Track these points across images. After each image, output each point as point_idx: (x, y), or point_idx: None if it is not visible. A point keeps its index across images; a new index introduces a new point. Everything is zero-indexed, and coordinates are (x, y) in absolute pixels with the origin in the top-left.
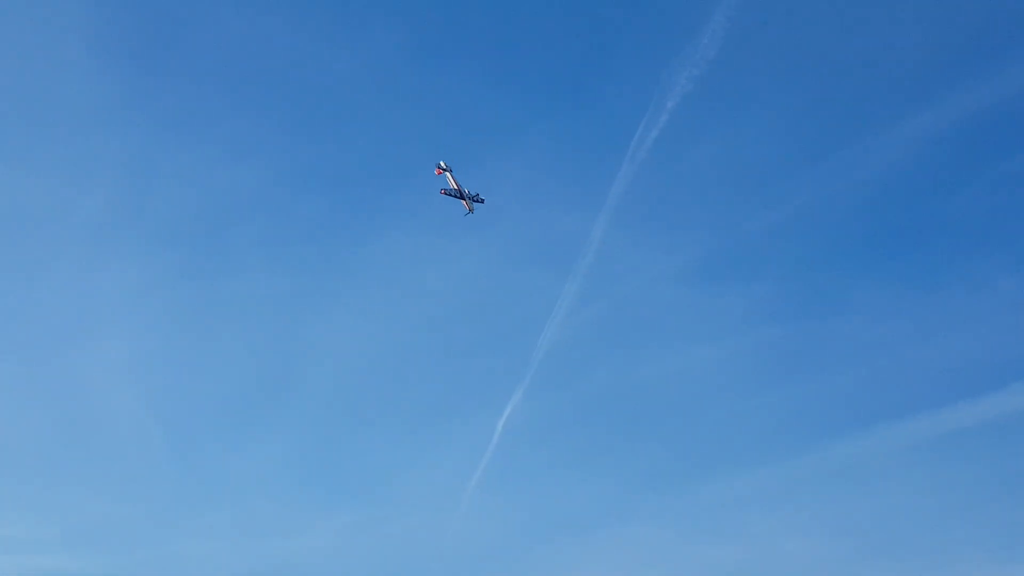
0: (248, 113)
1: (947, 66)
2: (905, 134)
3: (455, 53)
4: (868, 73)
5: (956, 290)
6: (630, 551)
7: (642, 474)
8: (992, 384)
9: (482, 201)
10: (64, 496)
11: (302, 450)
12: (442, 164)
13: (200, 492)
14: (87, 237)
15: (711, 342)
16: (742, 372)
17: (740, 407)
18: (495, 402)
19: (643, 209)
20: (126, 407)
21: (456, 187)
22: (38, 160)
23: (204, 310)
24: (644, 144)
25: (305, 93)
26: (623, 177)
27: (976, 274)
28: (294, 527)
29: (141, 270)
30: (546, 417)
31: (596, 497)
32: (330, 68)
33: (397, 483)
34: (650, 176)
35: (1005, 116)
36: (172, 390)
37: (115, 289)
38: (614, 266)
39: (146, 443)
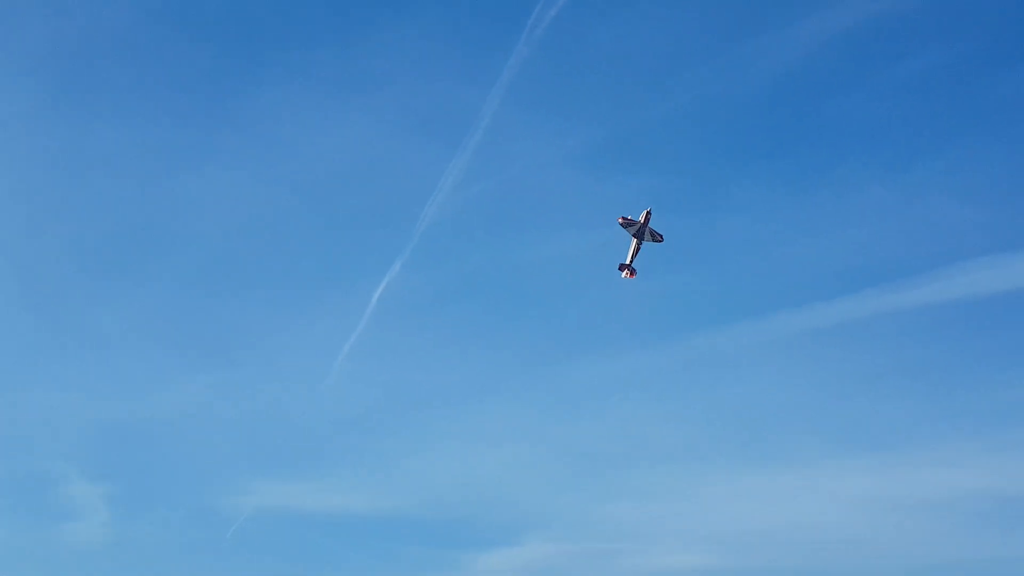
0: None
1: None
2: (801, 34)
3: None
4: None
5: (830, 193)
6: (496, 426)
7: (513, 354)
8: (850, 287)
9: (661, 239)
10: None
11: (169, 306)
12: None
13: (55, 342)
14: None
15: (594, 229)
16: (621, 261)
17: (615, 295)
18: (372, 273)
19: (537, 90)
20: None
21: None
22: None
23: (69, 151)
24: (542, 22)
25: None
26: (519, 55)
27: (850, 178)
28: (156, 384)
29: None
30: (423, 292)
31: (466, 373)
32: None
33: (266, 348)
34: (547, 57)
35: (901, 22)
36: (28, 233)
37: None
38: (504, 145)
39: None
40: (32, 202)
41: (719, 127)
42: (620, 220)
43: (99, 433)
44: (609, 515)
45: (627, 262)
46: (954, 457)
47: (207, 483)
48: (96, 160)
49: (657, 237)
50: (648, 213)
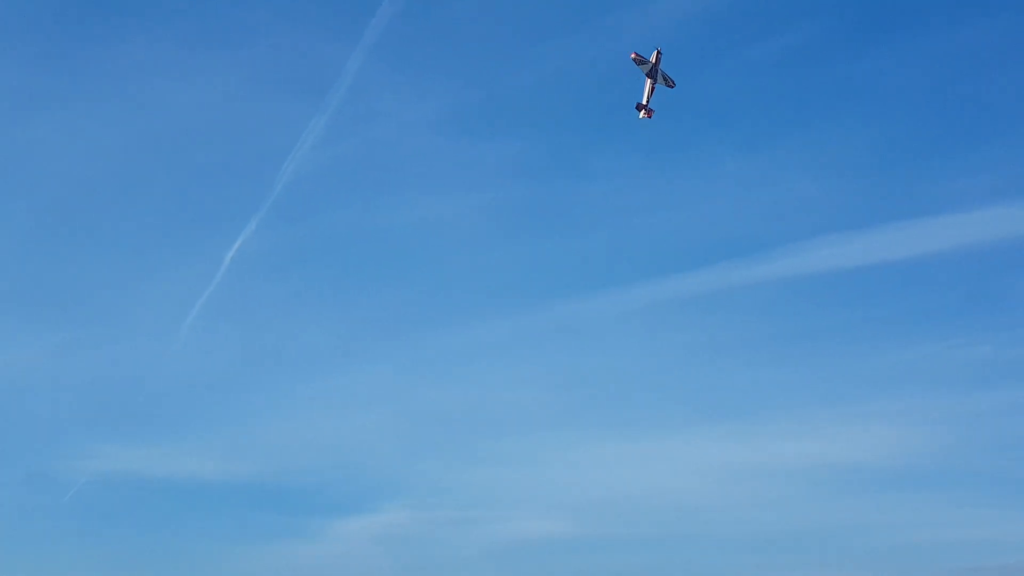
0: None
1: None
2: (667, 9)
3: None
4: None
5: (688, 167)
6: (353, 390)
7: (373, 317)
8: (708, 259)
9: (672, 85)
10: None
11: (13, 260)
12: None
13: None
14: None
15: (457, 194)
16: (484, 227)
17: (479, 261)
18: (227, 231)
19: (402, 51)
20: None
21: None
22: None
23: None
24: None
25: None
26: (384, 12)
27: (707, 153)
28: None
29: None
30: (281, 252)
31: (324, 336)
32: None
33: (116, 306)
34: (413, 18)
35: (758, 3)
36: None
37: None
38: (368, 105)
39: None
40: None
41: (582, 97)
42: (633, 56)
43: None
44: (468, 482)
45: (643, 102)
46: (806, 427)
47: (45, 446)
48: None
49: (669, 82)
50: (658, 53)
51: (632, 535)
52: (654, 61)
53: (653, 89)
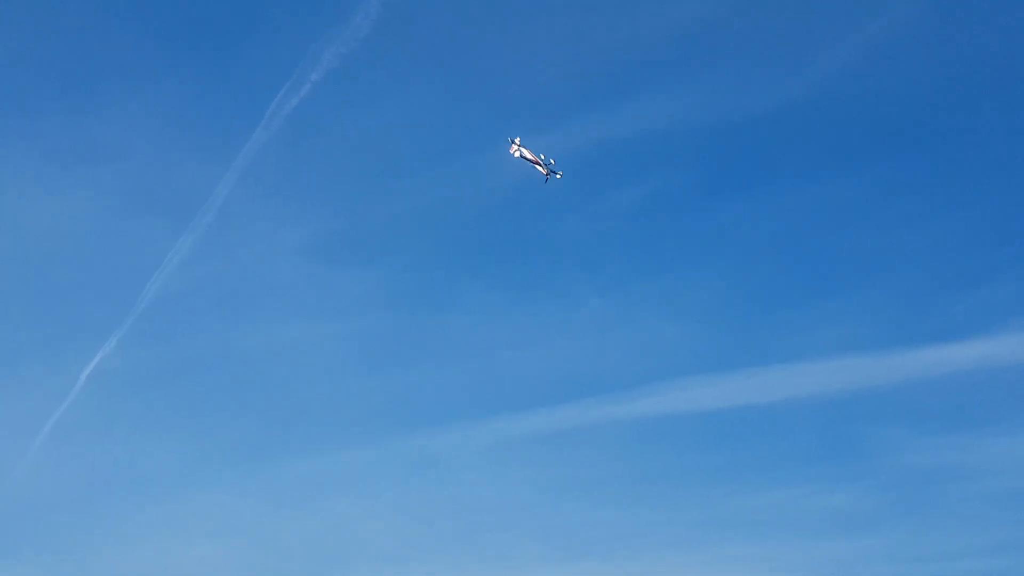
0: None
1: (582, 94)
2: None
3: None
4: (515, 85)
5: (554, 303)
6: (209, 516)
7: (231, 442)
8: (571, 395)
9: (558, 174)
10: None
11: None
12: (515, 140)
13: None
14: None
15: (320, 321)
16: (345, 355)
17: (338, 389)
18: (86, 349)
19: (272, 177)
20: None
21: (531, 157)
22: None
23: None
24: (282, 111)
25: None
26: (256, 141)
27: (572, 291)
28: None
29: None
30: (139, 372)
31: (179, 460)
32: None
33: None
34: (285, 144)
35: (622, 150)
36: None
37: None
38: (235, 229)
39: None
40: None
41: (451, 230)
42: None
43: None
44: None
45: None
46: (662, 570)
47: None
48: None
49: (548, 169)
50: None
51: None
52: (530, 156)
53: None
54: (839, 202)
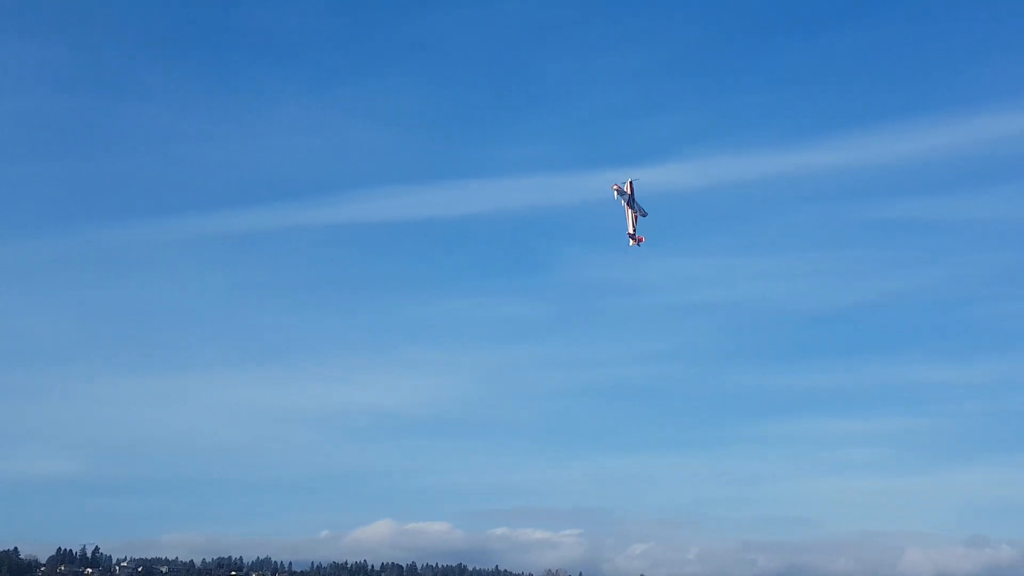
0: None
1: None
2: None
3: None
4: None
5: (248, 102)
6: None
7: None
8: (260, 197)
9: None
10: None
11: None
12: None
13: None
14: None
15: None
16: (20, 137)
17: (11, 174)
18: None
19: None
20: None
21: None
22: None
23: None
24: None
25: None
26: None
27: (268, 88)
28: None
29: None
30: None
31: None
32: None
33: None
34: None
35: None
36: None
37: None
38: None
39: None
40: None
41: (133, 6)
42: (614, 187)
43: None
44: None
45: (631, 231)
46: (340, 373)
47: None
48: None
49: (642, 212)
50: (631, 184)
51: (153, 477)
52: (629, 192)
53: (636, 218)
54: (543, 23)
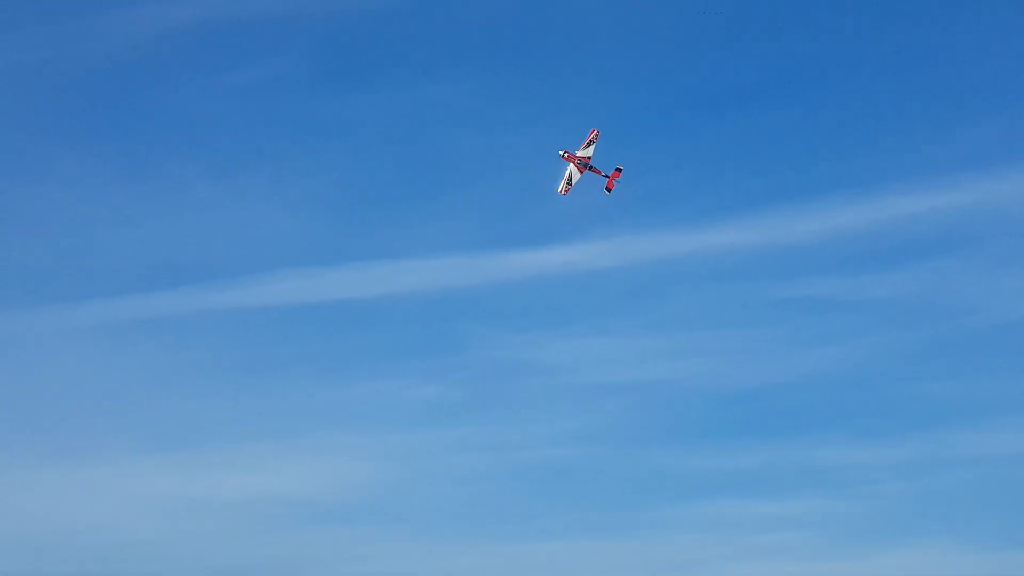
0: None
1: None
2: (148, 18)
3: None
4: None
5: (157, 185)
6: None
7: None
8: (169, 281)
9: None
10: None
11: None
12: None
13: None
14: None
15: None
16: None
17: None
18: None
19: None
20: None
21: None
22: None
23: None
24: None
25: None
26: None
27: (178, 172)
28: None
29: None
30: None
31: None
32: None
33: None
34: None
35: (238, 30)
36: None
37: None
38: None
39: None
40: None
41: (46, 93)
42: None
43: None
44: None
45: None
46: (252, 460)
47: None
48: None
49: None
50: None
51: (58, 573)
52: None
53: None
54: (447, 104)
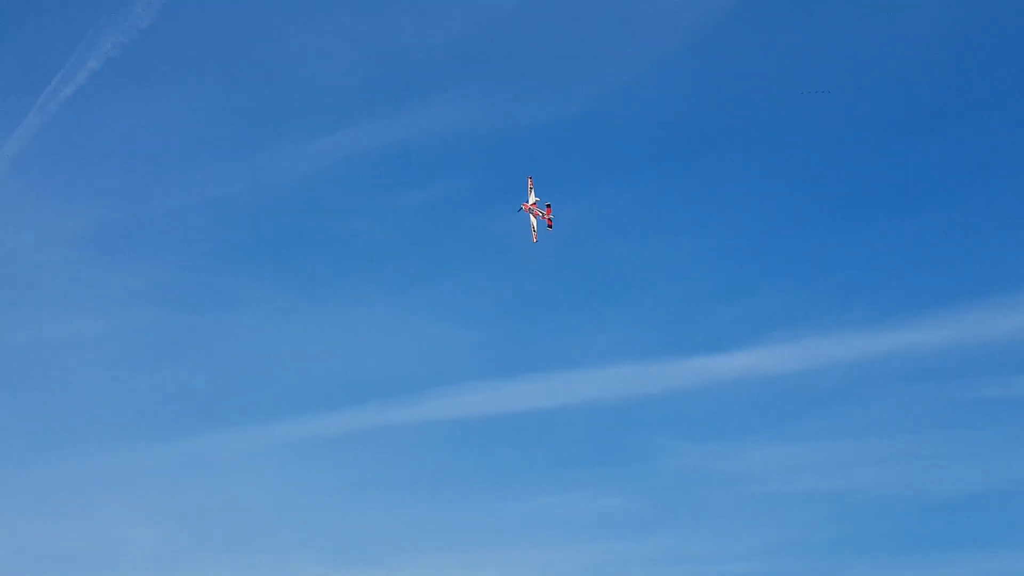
0: None
1: (368, 96)
2: (320, 150)
3: None
4: (301, 84)
5: (336, 305)
6: None
7: None
8: (350, 398)
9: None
10: None
11: None
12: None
13: None
14: None
15: (93, 316)
16: (123, 351)
17: (108, 387)
18: None
19: (46, 163)
20: None
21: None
22: None
23: None
24: (57, 97)
25: None
26: (29, 126)
27: (356, 292)
28: None
29: None
30: None
31: None
32: None
33: None
34: (59, 133)
35: (408, 153)
36: None
37: None
38: (4, 217)
39: None
40: None
41: (232, 226)
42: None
43: None
44: None
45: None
46: (434, 574)
47: None
48: None
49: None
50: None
51: None
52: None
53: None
54: (614, 212)
